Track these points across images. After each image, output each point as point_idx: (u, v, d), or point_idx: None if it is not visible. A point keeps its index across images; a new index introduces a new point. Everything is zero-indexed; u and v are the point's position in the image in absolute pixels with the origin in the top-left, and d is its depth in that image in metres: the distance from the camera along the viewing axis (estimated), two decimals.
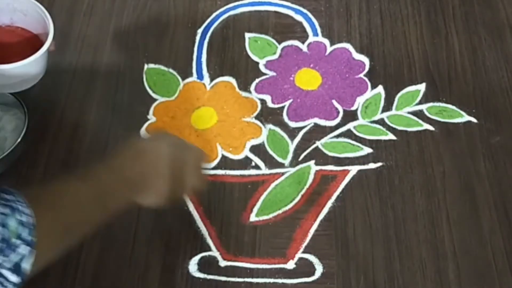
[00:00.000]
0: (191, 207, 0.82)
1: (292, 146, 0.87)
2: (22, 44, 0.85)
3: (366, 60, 0.96)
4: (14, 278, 0.49)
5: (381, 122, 0.90)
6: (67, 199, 0.59)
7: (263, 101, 0.92)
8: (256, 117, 0.90)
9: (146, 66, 0.95)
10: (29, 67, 0.80)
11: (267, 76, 0.94)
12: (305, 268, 0.78)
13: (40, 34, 0.83)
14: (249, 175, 0.85)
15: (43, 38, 0.81)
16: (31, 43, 0.83)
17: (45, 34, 0.81)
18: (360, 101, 0.92)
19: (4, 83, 0.81)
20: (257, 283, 0.77)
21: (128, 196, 0.66)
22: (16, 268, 0.49)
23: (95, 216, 0.62)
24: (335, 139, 0.88)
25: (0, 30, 0.87)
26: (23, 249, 0.50)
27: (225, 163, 0.86)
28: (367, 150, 0.87)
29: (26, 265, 0.50)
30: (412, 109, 0.91)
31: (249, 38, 0.99)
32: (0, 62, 0.78)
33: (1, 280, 0.49)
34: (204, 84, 0.93)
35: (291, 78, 0.94)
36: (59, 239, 0.57)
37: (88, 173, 0.63)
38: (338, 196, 0.83)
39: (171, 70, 0.94)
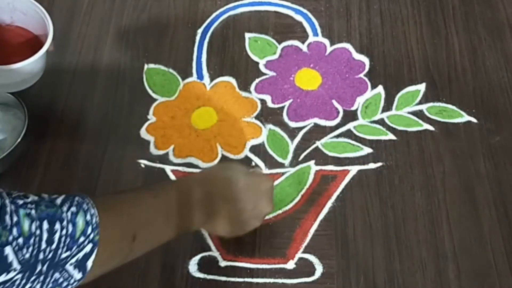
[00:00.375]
0: None
1: (292, 146, 0.87)
2: (22, 43, 0.85)
3: (366, 60, 0.96)
4: (77, 274, 0.52)
5: (381, 122, 0.90)
6: (137, 208, 0.61)
7: (263, 101, 0.92)
8: (256, 117, 0.90)
9: (146, 66, 0.95)
10: (29, 68, 0.80)
11: (267, 76, 0.94)
12: (305, 268, 0.78)
13: (40, 34, 0.83)
14: None
15: (42, 38, 0.81)
16: (30, 43, 0.83)
17: (45, 34, 0.81)
18: (360, 101, 0.92)
19: (3, 82, 0.81)
20: (257, 283, 0.77)
21: (196, 220, 0.67)
22: (80, 265, 0.52)
23: (162, 232, 0.64)
24: (335, 139, 0.88)
25: (0, 29, 0.87)
26: (88, 247, 0.52)
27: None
28: (367, 150, 0.87)
29: (89, 263, 0.53)
30: (412, 109, 0.91)
31: (249, 38, 0.99)
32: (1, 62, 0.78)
33: (66, 275, 0.51)
34: (204, 84, 0.93)
35: (291, 78, 0.94)
36: (125, 244, 0.58)
37: (159, 188, 0.66)
38: (338, 196, 0.83)
39: (171, 70, 0.94)
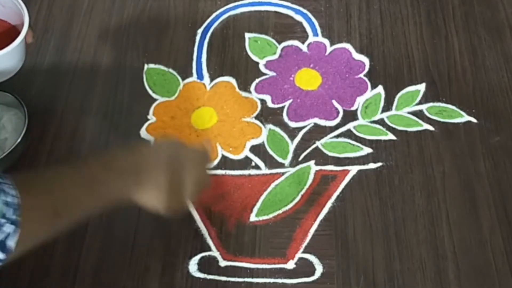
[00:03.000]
0: (191, 207, 0.82)
1: (292, 146, 0.87)
2: (1, 35, 0.84)
3: (366, 60, 0.96)
4: (0, 254, 0.52)
5: (381, 122, 0.90)
6: (56, 184, 0.60)
7: (263, 101, 0.92)
8: (256, 117, 0.90)
9: (146, 66, 0.95)
10: (5, 59, 0.79)
11: (267, 76, 0.94)
12: (305, 268, 0.78)
13: (18, 25, 0.82)
14: (249, 175, 0.85)
15: (21, 29, 0.81)
16: (9, 35, 0.82)
17: (23, 25, 0.80)
18: (360, 101, 0.92)
19: None
20: (257, 283, 0.77)
21: (121, 187, 0.64)
22: (2, 246, 0.52)
23: (86, 203, 0.62)
24: (335, 139, 0.88)
25: None
26: (8, 228, 0.52)
27: (225, 163, 0.86)
28: (367, 150, 0.87)
29: (11, 243, 0.52)
30: (412, 109, 0.91)
31: (249, 38, 0.99)
32: None
33: None
34: (204, 84, 0.93)
35: (291, 78, 0.94)
36: (47, 222, 0.58)
37: (79, 162, 0.64)
38: (338, 196, 0.83)
39: (171, 70, 0.94)
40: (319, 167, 0.85)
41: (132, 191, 0.65)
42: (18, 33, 0.80)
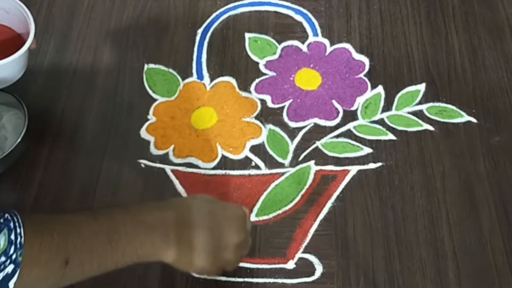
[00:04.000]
0: None
1: (292, 146, 0.87)
2: (4, 42, 0.84)
3: (366, 60, 0.96)
4: None
5: (381, 122, 0.90)
6: (71, 231, 0.56)
7: (263, 101, 0.92)
8: (256, 117, 0.90)
9: (146, 66, 0.95)
10: (10, 66, 0.79)
11: (267, 76, 0.94)
12: (305, 268, 0.78)
13: (22, 33, 0.83)
14: (249, 175, 0.85)
15: (25, 36, 0.81)
16: (13, 41, 0.82)
17: (27, 33, 0.80)
18: (360, 101, 0.92)
19: None
20: (257, 283, 0.77)
21: (147, 244, 0.59)
22: (1, 286, 0.49)
23: (103, 257, 0.58)
24: (335, 139, 0.88)
25: None
26: (9, 268, 0.50)
27: (225, 163, 0.86)
28: (367, 150, 0.87)
29: (11, 284, 0.50)
30: (412, 109, 0.91)
31: (249, 38, 0.99)
32: None
33: None
34: (204, 84, 0.93)
35: (291, 78, 0.94)
36: (54, 269, 0.54)
37: (101, 210, 0.60)
38: (338, 196, 0.83)
39: (171, 70, 0.94)
40: (319, 167, 0.85)
41: (159, 250, 0.60)
42: (21, 39, 0.80)
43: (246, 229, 0.66)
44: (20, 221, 0.52)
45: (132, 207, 0.63)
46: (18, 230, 0.51)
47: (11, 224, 0.51)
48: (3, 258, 0.49)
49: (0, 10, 0.84)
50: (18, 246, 0.50)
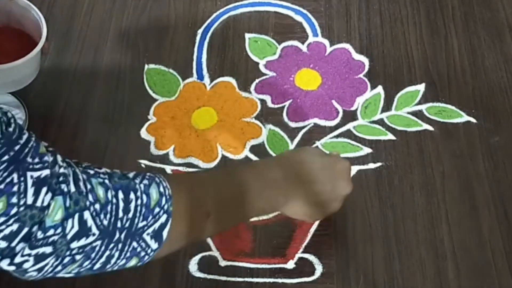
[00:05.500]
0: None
1: (292, 146, 0.88)
2: (18, 45, 0.85)
3: (365, 61, 0.96)
4: (154, 244, 0.53)
5: (380, 122, 0.90)
6: (209, 186, 0.61)
7: (263, 101, 0.92)
8: (256, 117, 0.90)
9: (146, 66, 0.95)
10: (22, 68, 0.80)
11: (267, 76, 0.95)
12: (305, 268, 0.78)
13: (35, 36, 0.83)
14: None
15: (37, 40, 0.81)
16: (26, 44, 0.82)
17: (40, 36, 0.81)
18: (359, 101, 0.92)
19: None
20: (257, 283, 0.77)
21: (272, 198, 0.66)
22: (156, 235, 0.53)
23: (236, 211, 0.63)
24: (334, 139, 0.88)
25: None
26: (163, 218, 0.53)
27: (225, 163, 0.86)
28: (366, 150, 0.87)
29: (165, 233, 0.53)
30: (411, 109, 0.91)
31: (249, 38, 0.99)
32: None
33: (143, 244, 0.53)
34: (204, 84, 0.93)
35: (291, 79, 0.94)
36: (198, 220, 0.58)
37: (233, 169, 0.67)
38: None
39: (171, 71, 0.95)
40: None
41: (280, 203, 0.67)
42: (35, 42, 0.81)
43: (349, 180, 0.73)
44: (162, 177, 0.55)
45: (257, 165, 0.72)
46: (164, 184, 0.54)
47: (157, 179, 0.54)
48: (157, 209, 0.53)
49: (15, 14, 0.85)
50: (168, 197, 0.54)
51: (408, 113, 0.91)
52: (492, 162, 0.86)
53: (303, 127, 0.89)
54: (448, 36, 0.99)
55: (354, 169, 0.85)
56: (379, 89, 0.93)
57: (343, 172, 0.72)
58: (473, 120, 0.90)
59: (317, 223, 0.81)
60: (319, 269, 0.78)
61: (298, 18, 1.01)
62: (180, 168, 0.85)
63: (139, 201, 0.52)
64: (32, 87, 0.90)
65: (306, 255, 0.79)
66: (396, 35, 0.99)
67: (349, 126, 0.90)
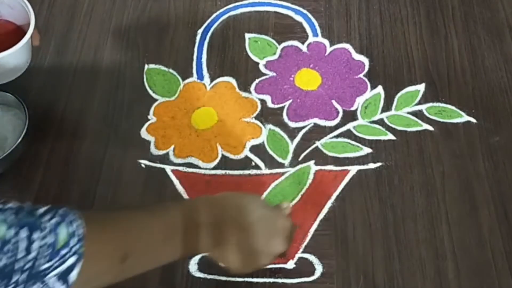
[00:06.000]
0: None
1: (292, 146, 0.88)
2: (9, 36, 0.85)
3: (365, 61, 0.96)
4: (61, 286, 0.49)
5: (380, 122, 0.90)
6: (129, 227, 0.57)
7: (263, 101, 0.92)
8: (256, 117, 0.90)
9: (146, 66, 0.95)
10: (10, 59, 0.80)
11: (267, 77, 0.95)
12: (305, 268, 0.78)
13: (25, 27, 0.83)
14: (249, 175, 0.85)
15: (27, 31, 0.82)
16: (17, 36, 0.83)
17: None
18: (359, 101, 0.92)
19: None
20: (257, 283, 0.77)
21: (201, 241, 0.62)
22: (63, 277, 0.49)
23: (159, 252, 0.60)
24: (334, 139, 0.88)
25: None
26: (71, 259, 0.49)
27: (225, 163, 0.86)
28: (366, 150, 0.87)
29: (73, 276, 0.50)
30: (411, 109, 0.91)
31: (249, 38, 0.99)
32: None
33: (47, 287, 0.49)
34: (204, 84, 0.93)
35: (291, 79, 0.94)
36: (113, 263, 0.55)
37: (159, 207, 0.62)
38: (337, 196, 0.83)
39: (171, 71, 0.95)
40: (319, 167, 0.86)
41: (208, 247, 0.63)
42: (25, 34, 0.81)
43: (291, 239, 0.67)
44: (77, 214, 0.52)
45: (187, 203, 0.66)
46: (78, 222, 0.51)
47: (70, 216, 0.51)
48: (65, 250, 0.49)
49: (5, 6, 0.85)
50: (80, 237, 0.50)
51: (408, 113, 0.91)
52: (492, 162, 0.86)
53: (303, 127, 0.89)
54: (448, 36, 0.99)
55: (354, 169, 0.85)
56: (379, 89, 0.93)
57: (282, 230, 0.66)
58: (473, 120, 0.90)
59: (317, 222, 0.81)
60: (319, 269, 0.78)
61: (298, 18, 1.01)
62: (180, 168, 0.85)
63: (44, 241, 0.48)
64: (32, 87, 0.90)
65: (306, 255, 0.79)
66: (396, 35, 0.99)
67: (349, 126, 0.90)
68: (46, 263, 0.48)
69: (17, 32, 0.85)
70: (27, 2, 0.83)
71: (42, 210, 0.51)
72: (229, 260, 0.64)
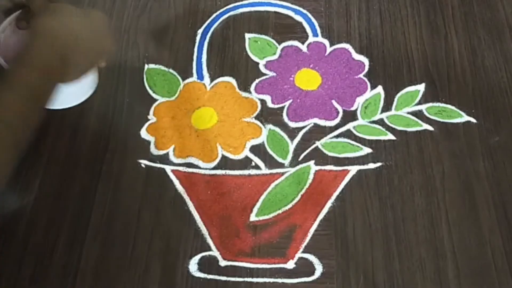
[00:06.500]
0: (191, 207, 0.82)
1: (292, 146, 0.88)
2: None
3: (365, 61, 0.96)
4: None
5: (380, 122, 0.90)
6: None
7: (263, 101, 0.92)
8: (256, 117, 0.90)
9: (146, 66, 0.95)
10: (81, 84, 0.82)
11: (267, 77, 0.95)
12: (305, 268, 0.78)
13: None
14: (249, 175, 0.85)
15: None
16: None
17: None
18: (359, 101, 0.92)
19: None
20: (257, 283, 0.77)
21: (51, 70, 0.67)
22: None
23: (30, 113, 0.65)
24: (334, 139, 0.88)
25: None
26: None
27: (225, 163, 0.86)
28: (366, 150, 0.87)
29: None
30: (411, 109, 0.91)
31: (249, 38, 0.99)
32: None
33: None
34: (204, 84, 0.93)
35: (291, 79, 0.94)
36: None
37: (13, 80, 0.64)
38: (337, 196, 0.83)
39: (171, 71, 0.95)
40: (318, 167, 0.86)
41: (60, 72, 0.69)
42: None
43: (107, 31, 0.76)
44: None
45: (31, 58, 0.66)
46: None
47: None
48: None
49: None
50: None
51: (408, 113, 0.91)
52: (492, 162, 0.86)
53: (303, 127, 0.89)
54: (448, 36, 0.99)
55: (354, 169, 0.85)
56: (379, 89, 0.93)
57: (102, 27, 0.74)
58: (473, 120, 0.90)
59: (317, 223, 0.81)
60: (319, 269, 0.78)
61: (298, 18, 1.01)
62: (180, 168, 0.85)
63: None
64: None
65: (306, 255, 0.79)
66: (396, 35, 0.99)
67: (349, 126, 0.90)
68: None
69: None
70: None
71: None
72: (84, 67, 0.74)
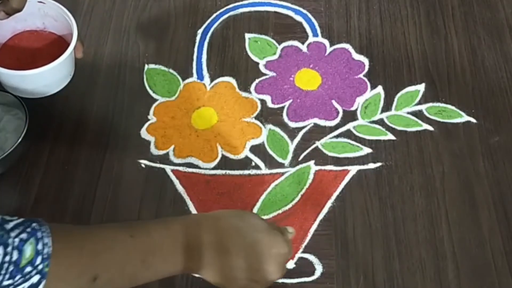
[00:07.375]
0: (191, 207, 0.82)
1: (292, 146, 0.88)
2: (54, 49, 0.86)
3: (365, 61, 0.96)
4: None
5: (380, 122, 0.90)
6: (101, 247, 0.54)
7: (263, 101, 0.92)
8: (256, 117, 0.90)
9: (146, 67, 0.95)
10: (54, 72, 0.81)
11: (267, 77, 0.95)
12: (305, 268, 0.78)
13: (70, 40, 0.85)
14: (249, 175, 0.85)
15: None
16: (61, 47, 0.84)
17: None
18: (359, 101, 0.92)
19: (26, 88, 0.82)
20: None
21: (181, 264, 0.58)
22: None
23: (134, 275, 0.56)
24: (334, 139, 0.88)
25: (35, 35, 0.88)
26: (35, 278, 0.48)
27: (225, 163, 0.86)
28: (366, 150, 0.87)
29: None
30: (411, 109, 0.91)
31: (249, 38, 0.99)
32: (33, 67, 0.79)
33: None
34: (204, 84, 0.93)
35: (291, 79, 0.94)
36: (82, 284, 0.52)
37: (139, 224, 0.59)
38: (337, 196, 0.83)
39: (171, 71, 0.95)
40: (318, 167, 0.86)
41: (190, 271, 0.61)
42: (68, 46, 0.82)
43: (285, 267, 0.63)
44: (48, 231, 0.50)
45: (171, 223, 0.60)
46: (45, 241, 0.49)
47: (39, 234, 0.49)
48: (29, 268, 0.48)
49: (49, 18, 0.87)
50: (46, 256, 0.49)
51: (408, 113, 0.91)
52: (492, 162, 0.86)
53: (303, 127, 0.89)
54: (448, 36, 0.99)
55: (354, 169, 0.85)
56: (379, 89, 0.93)
57: (277, 256, 0.61)
58: (473, 120, 0.90)
59: (317, 222, 0.81)
60: (319, 269, 0.78)
61: (298, 18, 1.01)
62: (180, 168, 0.85)
63: (7, 257, 0.46)
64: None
65: (306, 255, 0.79)
66: (396, 35, 0.99)
67: (349, 126, 0.90)
68: (7, 279, 0.47)
69: (61, 44, 0.86)
70: (70, 15, 0.84)
71: (12, 224, 0.49)
72: (211, 279, 0.60)
